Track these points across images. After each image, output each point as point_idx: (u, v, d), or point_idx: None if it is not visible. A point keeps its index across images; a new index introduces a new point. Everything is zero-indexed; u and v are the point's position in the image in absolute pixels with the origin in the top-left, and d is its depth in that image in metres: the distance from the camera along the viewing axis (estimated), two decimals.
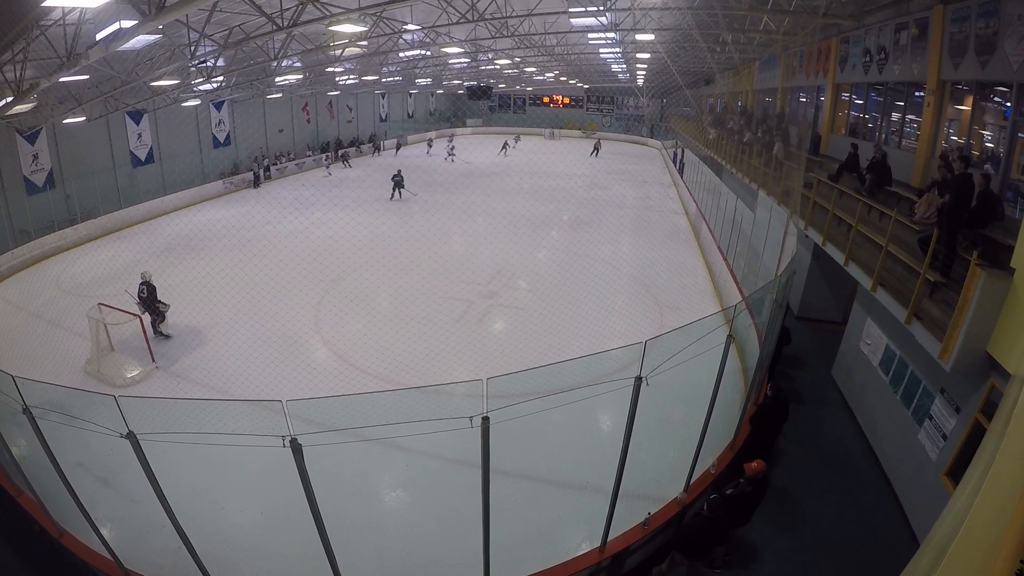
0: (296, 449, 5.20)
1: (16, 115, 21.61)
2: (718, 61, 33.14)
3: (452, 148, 50.14)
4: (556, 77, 56.11)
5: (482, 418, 5.28)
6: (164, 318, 15.92)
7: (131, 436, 5.68)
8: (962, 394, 8.56)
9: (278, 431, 5.14)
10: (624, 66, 46.53)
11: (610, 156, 52.27)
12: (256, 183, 38.59)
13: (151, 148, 32.34)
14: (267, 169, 40.72)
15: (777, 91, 26.57)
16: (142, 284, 15.78)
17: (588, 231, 26.27)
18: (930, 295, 8.81)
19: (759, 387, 11.48)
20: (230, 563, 7.87)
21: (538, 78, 55.55)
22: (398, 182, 33.39)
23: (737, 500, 8.49)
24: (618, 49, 33.99)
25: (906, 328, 9.07)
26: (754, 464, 8.63)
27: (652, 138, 64.98)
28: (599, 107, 72.70)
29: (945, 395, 9.05)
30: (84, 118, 25.73)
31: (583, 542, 8.39)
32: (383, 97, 58.84)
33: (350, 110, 53.72)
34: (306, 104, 47.06)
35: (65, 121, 25.27)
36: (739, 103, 35.01)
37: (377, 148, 54.87)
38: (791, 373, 14.27)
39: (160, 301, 15.83)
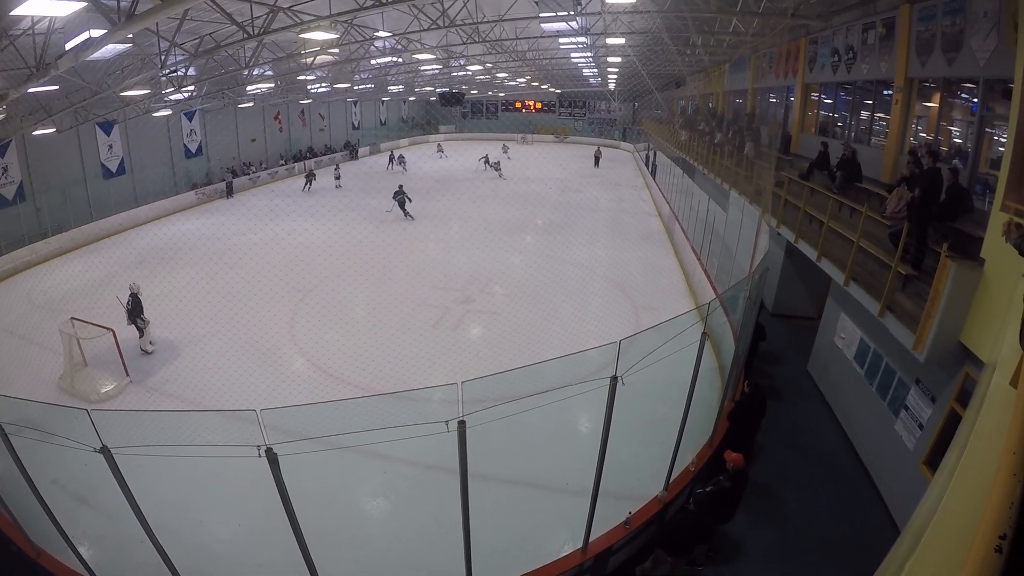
0: (272, 459, 5.15)
1: None
2: (688, 64, 33.49)
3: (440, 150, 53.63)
4: (528, 82, 56.29)
5: (458, 422, 5.28)
6: (143, 333, 15.72)
7: (105, 451, 5.59)
8: (937, 384, 8.70)
9: (254, 442, 5.11)
10: (596, 70, 46.80)
11: (582, 159, 52.51)
12: (229, 193, 38.26)
13: (122, 159, 31.99)
14: (234, 176, 40.30)
15: (747, 92, 26.85)
16: (130, 295, 15.62)
17: (562, 235, 26.40)
18: (902, 288, 8.97)
19: (736, 384, 11.59)
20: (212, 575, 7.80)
21: (510, 84, 55.68)
22: (401, 200, 30.25)
23: (718, 496, 8.55)
24: (589, 54, 34.16)
25: (879, 321, 9.22)
26: (734, 455, 8.70)
27: (624, 141, 65.51)
28: (571, 111, 73.03)
29: (920, 385, 9.20)
30: (54, 129, 25.40)
31: (565, 544, 8.40)
32: (355, 105, 58.82)
33: (322, 118, 53.63)
34: (278, 113, 46.90)
35: (35, 133, 24.89)
36: (710, 104, 35.35)
37: (354, 155, 54.99)
38: (767, 369, 14.40)
39: (141, 316, 15.65)
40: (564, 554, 8.15)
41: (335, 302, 17.88)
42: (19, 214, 25.54)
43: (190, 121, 36.89)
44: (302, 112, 50.42)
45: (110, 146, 31.12)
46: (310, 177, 41.07)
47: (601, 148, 55.21)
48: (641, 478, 9.34)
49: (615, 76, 48.88)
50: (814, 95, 19.94)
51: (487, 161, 44.49)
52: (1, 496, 8.72)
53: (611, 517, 8.39)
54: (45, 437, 6.29)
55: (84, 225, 28.05)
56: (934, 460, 8.31)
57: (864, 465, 10.94)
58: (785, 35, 20.09)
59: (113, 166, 31.44)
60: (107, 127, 30.44)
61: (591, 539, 8.03)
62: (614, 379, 6.18)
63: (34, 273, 23.34)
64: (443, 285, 19.43)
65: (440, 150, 56.41)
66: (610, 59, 35.18)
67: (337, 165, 45.94)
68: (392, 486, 10.20)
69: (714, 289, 16.53)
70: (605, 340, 6.62)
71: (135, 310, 15.50)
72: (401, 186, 30.17)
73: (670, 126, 39.71)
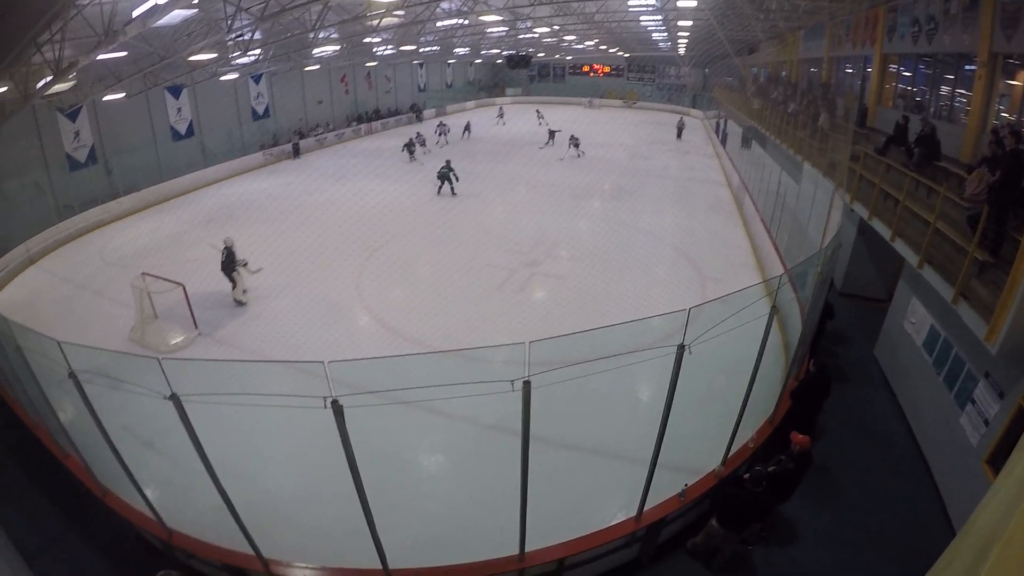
0: (337, 411, 5.20)
1: (56, 94, 21.98)
2: (763, 29, 32.36)
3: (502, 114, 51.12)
4: (596, 46, 55.21)
5: (524, 382, 5.22)
6: (235, 284, 16.23)
7: (174, 398, 5.72)
8: (1007, 379, 8.26)
9: (319, 394, 5.16)
10: (665, 34, 45.60)
11: (652, 126, 51.20)
12: (296, 154, 38.63)
13: (191, 122, 32.67)
14: (301, 137, 40.54)
15: (823, 61, 25.88)
16: (224, 248, 16.12)
17: (630, 201, 25.91)
18: (978, 275, 8.52)
19: (801, 362, 11.26)
20: (270, 526, 7.96)
21: (578, 47, 54.74)
22: (444, 174, 27.14)
23: (779, 477, 8.37)
24: (659, 17, 33.31)
25: (952, 308, 8.83)
26: (801, 437, 8.48)
27: (695, 108, 63.33)
28: (640, 76, 70.76)
29: (989, 379, 8.75)
30: (123, 94, 26.20)
31: (619, 512, 8.34)
32: (421, 67, 58.47)
33: (388, 80, 53.57)
34: (344, 75, 47.06)
35: (105, 98, 25.76)
36: (783, 73, 34.23)
37: (419, 117, 54.58)
38: (834, 349, 13.99)
39: (235, 268, 16.15)
40: (617, 521, 8.09)
41: (401, 261, 18.05)
42: (91, 176, 26.45)
43: (257, 84, 37.38)
44: (368, 74, 50.48)
45: (179, 109, 31.77)
46: (411, 146, 36.42)
47: (684, 119, 50.08)
48: (699, 451, 9.19)
49: (685, 41, 47.52)
50: (892, 67, 19.08)
51: (575, 144, 36.51)
52: (72, 440, 9.10)
53: (666, 488, 8.27)
54: (116, 384, 6.46)
55: (154, 186, 28.83)
56: (997, 459, 7.96)
57: (924, 456, 10.56)
58: (864, 1, 19.21)
59: (182, 129, 32.18)
60: (175, 91, 31.08)
61: (646, 508, 7.94)
62: (681, 348, 6.02)
63: (106, 232, 24.16)
64: (509, 248, 19.37)
65: (500, 115, 54.15)
66: (681, 23, 34.26)
67: (418, 133, 43.56)
68: (451, 444, 10.33)
69: (783, 263, 16.06)
70: (670, 308, 6.46)
71: (228, 262, 15.98)
72: (448, 161, 27.74)
73: (742, 93, 38.58)
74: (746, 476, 7.98)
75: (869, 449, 10.95)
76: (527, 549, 7.25)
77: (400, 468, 9.69)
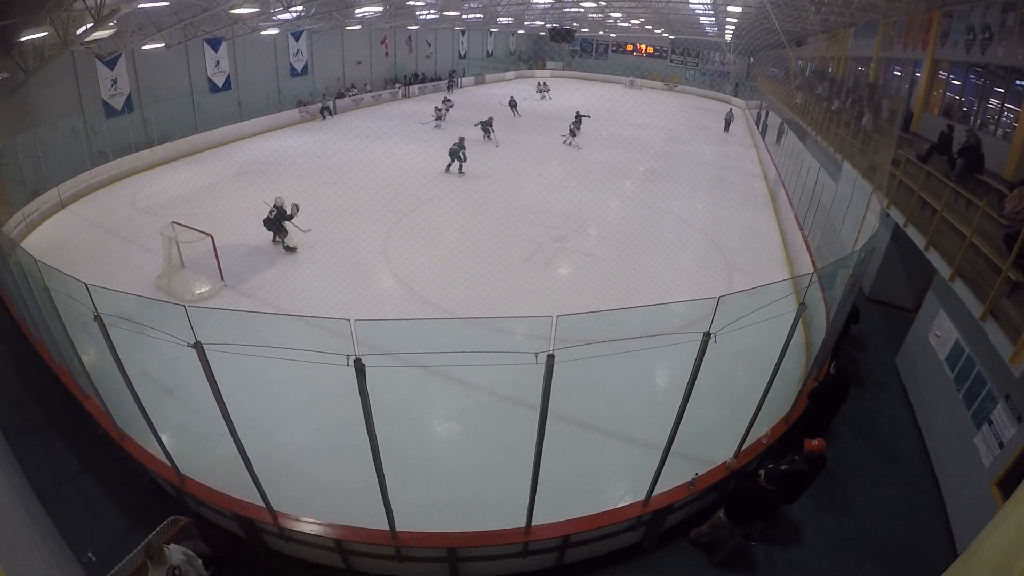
0: (359, 369, 5.24)
1: (95, 41, 22.18)
2: (815, 21, 31.71)
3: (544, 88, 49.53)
4: (642, 25, 54.16)
5: (548, 355, 5.21)
6: (285, 234, 16.63)
7: (198, 346, 5.77)
8: None
9: (343, 351, 5.20)
10: (713, 19, 44.63)
11: (692, 111, 50.33)
12: (331, 113, 38.54)
13: (228, 75, 32.86)
14: (338, 96, 40.56)
15: (872, 60, 25.34)
16: (274, 207, 16.42)
17: (663, 184, 25.59)
18: (1009, 294, 8.35)
19: (822, 363, 11.16)
20: (282, 478, 8.11)
21: (622, 24, 53.79)
22: (455, 151, 25.12)
23: (790, 477, 8.32)
24: (708, 0, 32.67)
25: (980, 325, 8.69)
26: (815, 442, 8.41)
27: (736, 96, 61.81)
28: (683, 60, 68.93)
29: (1009, 402, 8.60)
30: (163, 44, 26.31)
31: (626, 494, 8.39)
32: (463, 34, 57.92)
33: (429, 45, 53.19)
34: (385, 37, 46.81)
35: (144, 47, 25.89)
36: (829, 69, 33.57)
37: (452, 84, 53.79)
38: (855, 354, 13.84)
39: (283, 225, 16.55)
40: (625, 504, 8.13)
41: (430, 226, 18.04)
42: (127, 123, 26.67)
43: (296, 41, 37.39)
44: (409, 38, 50.16)
45: (217, 62, 31.96)
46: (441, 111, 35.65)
47: (733, 110, 46.51)
48: (712, 441, 9.16)
49: (733, 27, 46.46)
50: (942, 73, 18.63)
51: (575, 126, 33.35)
52: (93, 382, 9.26)
53: (675, 475, 8.25)
54: (140, 329, 6.51)
55: (189, 136, 29.02)
56: (1007, 483, 7.85)
57: (934, 471, 10.44)
58: (920, 3, 18.73)
59: (220, 81, 32.39)
60: (215, 43, 31.22)
61: (654, 494, 7.94)
62: (707, 335, 5.97)
63: (138, 179, 24.38)
64: (539, 221, 19.28)
65: (542, 89, 50.42)
66: (729, 8, 33.56)
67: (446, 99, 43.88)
68: (467, 412, 10.36)
69: (813, 262, 15.84)
70: (695, 295, 6.42)
71: (276, 220, 16.34)
72: (462, 139, 25.95)
73: (786, 86, 37.91)
74: (763, 472, 7.95)
75: (880, 458, 10.86)
76: (534, 523, 7.28)
77: (413, 431, 9.74)
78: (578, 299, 13.31)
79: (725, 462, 8.88)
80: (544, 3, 38.39)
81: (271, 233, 16.68)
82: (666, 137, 36.93)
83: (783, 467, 8.37)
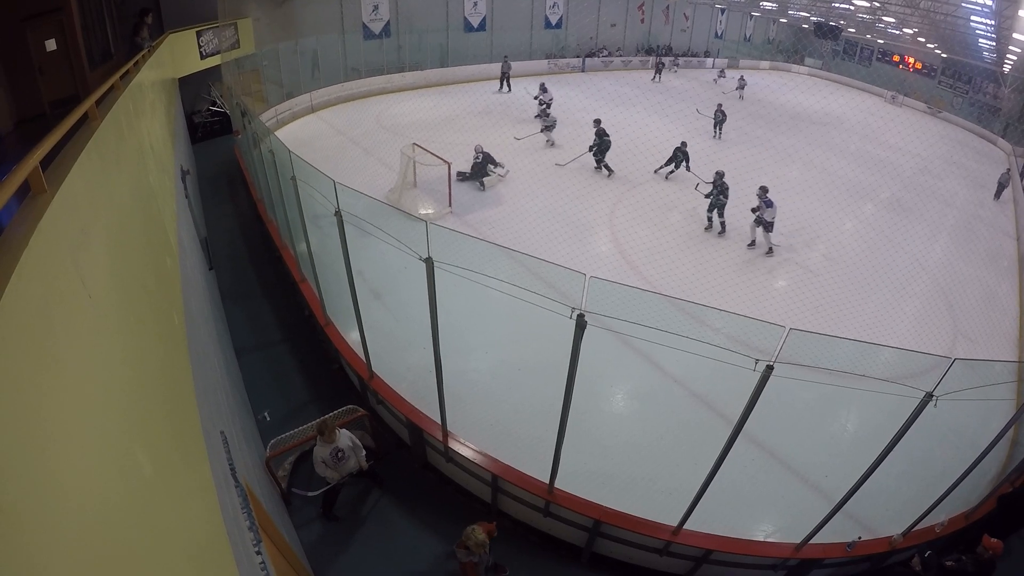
0: (581, 325, 5.39)
1: None
2: None
3: None
4: (913, 36, 48.65)
5: (767, 366, 5.14)
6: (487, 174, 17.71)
7: (429, 260, 6.18)
8: None
9: (558, 300, 5.38)
10: (993, 43, 39.36)
11: (950, 144, 43.96)
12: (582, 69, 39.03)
13: (484, 17, 34.50)
14: (588, 56, 40.90)
15: None
16: (483, 152, 17.48)
17: (905, 218, 23.38)
18: None
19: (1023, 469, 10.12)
20: (461, 402, 8.52)
21: (892, 31, 49.16)
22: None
23: (954, 574, 7.70)
24: (991, 22, 29.37)
25: None
26: (995, 541, 7.72)
27: (1003, 138, 53.32)
28: (953, 84, 57.81)
29: None
30: None
31: (778, 531, 8.07)
32: (722, 13, 55.59)
33: (686, 18, 51.73)
34: (643, 3, 46.32)
35: None
36: None
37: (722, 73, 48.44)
38: None
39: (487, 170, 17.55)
40: (775, 540, 7.85)
41: (658, 202, 17.89)
42: (382, 47, 29.31)
43: None
44: (667, 8, 49.06)
45: (475, 3, 33.72)
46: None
47: (1013, 172, 37.49)
48: (882, 508, 8.57)
49: (1015, 58, 40.65)
50: None
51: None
52: (314, 269, 10.21)
53: (834, 530, 7.76)
54: (373, 232, 7.08)
55: (438, 68, 31.11)
56: None
57: None
58: None
59: (475, 22, 34.16)
60: None
61: (811, 541, 7.59)
62: (928, 396, 5.62)
63: (385, 100, 26.30)
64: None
65: None
66: (1017, 34, 29.87)
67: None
68: (655, 395, 10.22)
69: None
70: (909, 346, 6.06)
71: (484, 162, 17.40)
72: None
73: None
74: (917, 556, 7.45)
75: None
76: (685, 527, 7.24)
77: (598, 397, 9.78)
78: (787, 315, 12.61)
79: (891, 537, 8.34)
80: None
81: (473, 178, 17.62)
82: (917, 167, 33.52)
83: (947, 562, 7.78)
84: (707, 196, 16.65)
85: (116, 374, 3.18)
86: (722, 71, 41.36)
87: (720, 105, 26.76)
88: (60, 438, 2.21)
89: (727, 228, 16.65)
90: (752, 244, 16.24)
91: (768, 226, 15.87)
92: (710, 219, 16.78)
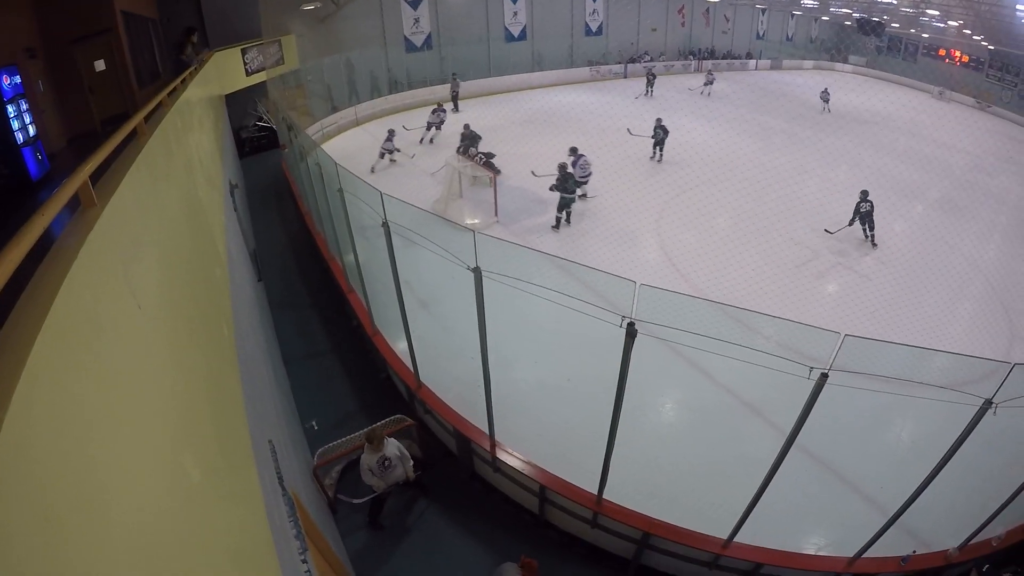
0: (631, 333, 5.30)
1: None
2: None
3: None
4: (959, 28, 46.73)
5: (822, 374, 4.96)
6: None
7: (477, 270, 6.17)
8: None
9: (606, 308, 5.29)
10: None
11: (1001, 139, 41.61)
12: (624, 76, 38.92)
13: (524, 26, 34.62)
14: (630, 61, 40.81)
15: None
16: (482, 154, 17.51)
17: (957, 218, 22.57)
18: None
19: None
20: (509, 411, 8.42)
21: (937, 24, 47.53)
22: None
23: None
24: None
25: None
26: None
27: None
28: (1001, 77, 53.86)
29: None
30: None
31: (830, 545, 7.79)
32: (763, 13, 54.57)
33: (727, 20, 51.06)
34: (683, 6, 45.95)
35: None
36: None
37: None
38: None
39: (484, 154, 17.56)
40: (827, 553, 7.59)
41: (704, 208, 17.58)
42: (424, 59, 29.89)
43: (595, 1, 38.26)
44: (707, 10, 48.50)
45: (515, 13, 33.92)
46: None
47: None
48: (938, 522, 8.22)
49: None
50: None
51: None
52: (362, 280, 10.31)
53: (887, 544, 7.41)
54: (421, 243, 7.10)
55: (481, 79, 31.41)
56: None
57: None
58: None
59: (516, 32, 34.31)
60: None
61: (864, 555, 7.34)
62: (987, 403, 5.35)
63: (429, 111, 26.37)
64: (818, 227, 18.06)
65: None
66: None
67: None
68: (706, 405, 9.96)
69: None
70: (963, 351, 5.79)
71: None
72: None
73: None
74: (975, 571, 7.13)
75: None
76: (735, 540, 7.07)
77: (644, 405, 9.57)
78: (839, 320, 12.16)
79: (947, 551, 7.99)
80: None
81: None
82: (968, 164, 32.26)
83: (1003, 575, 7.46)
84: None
85: (165, 383, 3.22)
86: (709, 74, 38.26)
87: (660, 120, 23.30)
88: (108, 446, 2.23)
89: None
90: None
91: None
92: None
